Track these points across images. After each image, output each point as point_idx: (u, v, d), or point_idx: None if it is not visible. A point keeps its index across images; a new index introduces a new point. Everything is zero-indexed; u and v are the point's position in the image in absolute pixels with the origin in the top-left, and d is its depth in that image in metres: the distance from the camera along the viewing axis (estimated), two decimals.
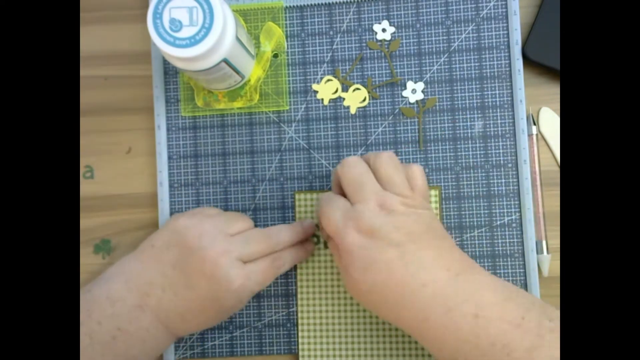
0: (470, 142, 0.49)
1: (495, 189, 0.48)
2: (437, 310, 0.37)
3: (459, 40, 0.49)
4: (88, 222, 0.52)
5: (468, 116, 0.49)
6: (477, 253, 0.48)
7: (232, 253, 0.43)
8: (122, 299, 0.43)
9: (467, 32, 0.49)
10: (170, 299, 0.43)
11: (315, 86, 0.50)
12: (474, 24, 0.49)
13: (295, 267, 0.49)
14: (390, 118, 0.50)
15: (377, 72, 0.50)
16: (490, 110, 0.49)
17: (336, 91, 0.50)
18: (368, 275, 0.39)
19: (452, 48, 0.49)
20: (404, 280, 0.38)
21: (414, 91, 0.49)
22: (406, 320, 0.39)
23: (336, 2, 0.51)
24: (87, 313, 0.42)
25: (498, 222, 0.48)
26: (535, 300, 0.39)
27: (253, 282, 0.44)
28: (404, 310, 0.39)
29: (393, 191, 0.40)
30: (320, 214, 0.42)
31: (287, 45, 0.51)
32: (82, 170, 0.52)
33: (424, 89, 0.49)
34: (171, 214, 0.51)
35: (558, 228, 0.48)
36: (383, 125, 0.50)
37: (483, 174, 0.48)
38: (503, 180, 0.48)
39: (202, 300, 0.43)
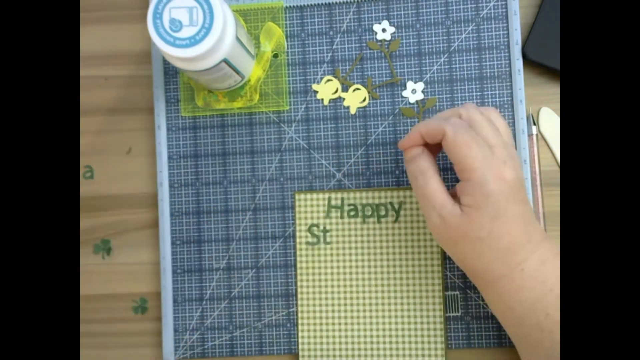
0: None
1: None
2: (534, 262, 0.39)
3: (459, 40, 0.49)
4: (88, 222, 0.52)
5: None
6: None
7: None
8: None
9: (467, 32, 0.49)
10: None
11: (315, 86, 0.50)
12: (474, 24, 0.49)
13: (295, 267, 0.49)
14: (390, 118, 0.50)
15: (377, 72, 0.50)
16: None
17: (336, 91, 0.50)
18: (493, 224, 0.39)
19: (452, 48, 0.49)
20: (518, 237, 0.39)
21: (414, 91, 0.49)
22: (496, 271, 0.40)
23: (336, 2, 0.51)
24: None
25: None
26: None
27: None
28: (502, 262, 0.40)
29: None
30: (460, 142, 0.39)
31: (287, 45, 0.51)
32: (82, 170, 0.52)
33: (424, 89, 0.49)
34: (171, 214, 0.51)
35: (558, 228, 0.48)
36: (383, 125, 0.50)
37: None
38: None
39: None
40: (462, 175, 0.39)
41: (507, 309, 0.40)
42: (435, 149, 0.43)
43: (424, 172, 0.41)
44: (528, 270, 0.39)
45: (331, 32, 0.51)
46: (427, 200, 0.41)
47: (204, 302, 0.50)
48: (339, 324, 0.48)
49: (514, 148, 0.41)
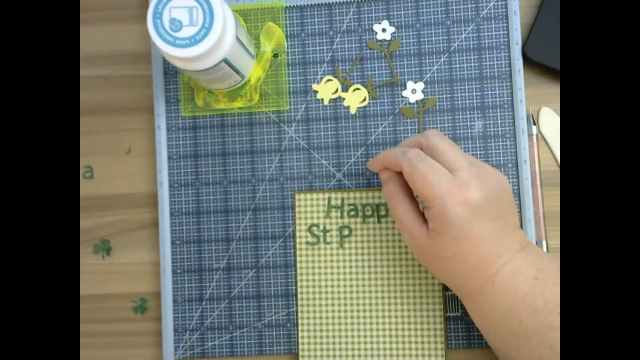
0: (470, 142, 0.49)
1: None
2: (505, 274, 0.40)
3: (459, 40, 0.49)
4: (88, 222, 0.52)
5: (468, 116, 0.49)
6: None
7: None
8: None
9: (467, 32, 0.49)
10: None
11: (315, 86, 0.50)
12: (474, 24, 0.49)
13: (295, 267, 0.49)
14: (390, 118, 0.50)
15: (377, 72, 0.50)
16: (490, 110, 0.49)
17: (336, 91, 0.50)
18: (458, 246, 0.39)
19: (452, 48, 0.49)
20: (487, 255, 0.39)
21: (414, 91, 0.49)
22: (468, 285, 0.41)
23: (336, 2, 0.51)
24: None
25: None
26: None
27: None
28: (472, 278, 0.40)
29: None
30: (415, 175, 0.40)
31: (287, 45, 0.51)
32: (82, 170, 0.52)
33: (424, 89, 0.49)
34: (171, 214, 0.51)
35: (558, 228, 0.48)
36: (383, 125, 0.50)
37: None
38: None
39: None
40: (425, 204, 0.40)
41: (484, 317, 0.41)
42: None
43: (393, 195, 0.43)
44: (498, 282, 0.40)
45: (331, 32, 0.51)
46: (398, 221, 0.43)
47: (204, 302, 0.50)
48: (339, 324, 0.48)
49: (482, 166, 0.41)
